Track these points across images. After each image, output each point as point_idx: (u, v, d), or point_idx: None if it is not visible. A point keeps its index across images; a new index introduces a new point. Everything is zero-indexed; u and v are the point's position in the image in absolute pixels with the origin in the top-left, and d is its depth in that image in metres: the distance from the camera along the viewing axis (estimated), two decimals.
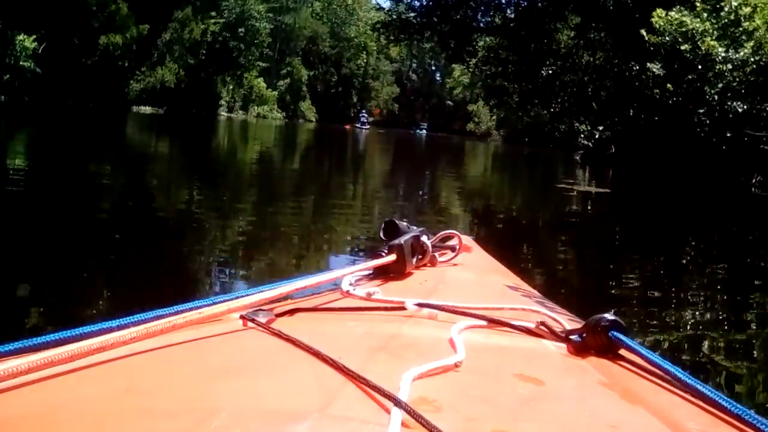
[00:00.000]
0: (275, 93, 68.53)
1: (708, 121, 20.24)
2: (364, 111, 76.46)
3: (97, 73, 41.89)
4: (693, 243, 9.57)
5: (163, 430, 0.78)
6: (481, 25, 31.08)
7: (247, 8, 56.67)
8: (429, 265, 1.80)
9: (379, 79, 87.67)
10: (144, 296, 4.15)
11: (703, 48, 19.42)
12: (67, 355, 0.88)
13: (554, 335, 1.19)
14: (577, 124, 32.41)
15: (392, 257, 1.60)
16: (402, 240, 1.65)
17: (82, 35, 42.11)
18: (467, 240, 2.07)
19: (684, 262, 8.07)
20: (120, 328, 0.99)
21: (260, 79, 64.98)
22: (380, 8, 43.02)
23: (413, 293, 1.38)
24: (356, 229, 8.56)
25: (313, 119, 75.39)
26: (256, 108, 64.42)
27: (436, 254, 1.84)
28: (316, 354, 0.97)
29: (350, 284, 1.43)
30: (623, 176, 23.21)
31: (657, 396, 1.01)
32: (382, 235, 1.76)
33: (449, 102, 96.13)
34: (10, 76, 33.08)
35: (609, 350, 1.13)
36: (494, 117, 75.35)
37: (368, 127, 68.77)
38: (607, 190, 15.93)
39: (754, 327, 5.26)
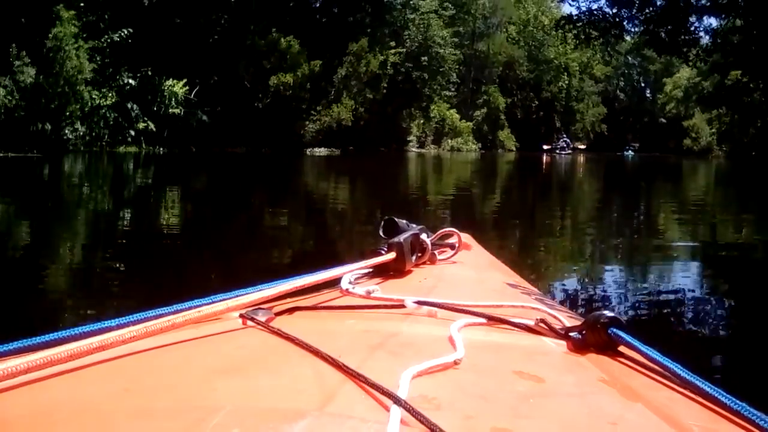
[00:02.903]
0: (470, 124, 64.36)
1: None
2: (565, 136, 69.02)
3: (269, 116, 37.10)
4: None
5: (162, 429, 0.79)
6: (702, 2, 22.34)
7: (430, 35, 50.32)
8: (428, 263, 1.77)
9: (583, 101, 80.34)
10: None
11: None
12: (67, 354, 0.88)
13: (554, 332, 1.18)
14: None
15: (391, 255, 1.59)
16: (401, 238, 1.63)
17: (253, 78, 37.45)
18: (466, 238, 2.05)
19: None
20: (119, 327, 0.99)
21: (453, 111, 58.86)
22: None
23: (412, 291, 1.37)
24: (565, 270, 7.70)
25: (513, 148, 71.49)
26: (449, 141, 59.63)
27: (436, 252, 1.81)
28: (316, 352, 0.97)
29: (349, 282, 1.43)
30: None
31: (657, 392, 1.01)
32: (381, 233, 1.74)
33: (662, 119, 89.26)
34: (157, 126, 28.57)
35: (608, 347, 1.13)
36: (714, 131, 65.22)
37: (570, 151, 61.83)
38: None
39: None
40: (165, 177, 21.46)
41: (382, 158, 39.72)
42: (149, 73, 31.01)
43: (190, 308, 1.08)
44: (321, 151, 41.56)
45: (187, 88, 31.90)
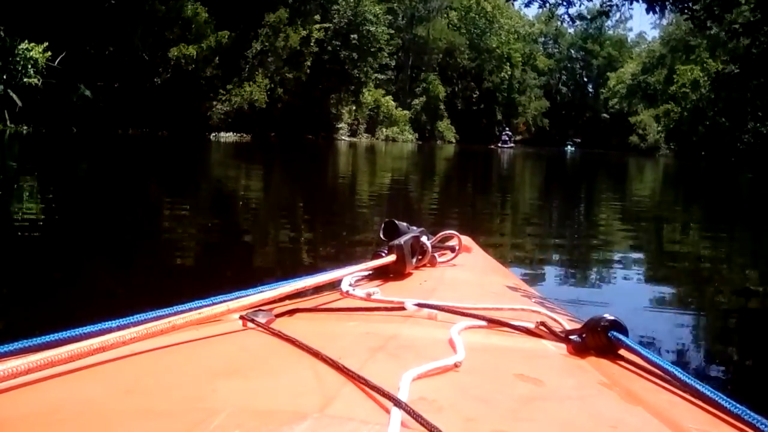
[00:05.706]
0: (407, 113, 60.56)
1: None
2: (507, 129, 64.50)
3: (169, 95, 30.73)
4: None
5: (163, 430, 0.80)
6: None
7: (360, 11, 44.40)
8: (429, 265, 1.76)
9: (525, 94, 75.77)
10: None
11: None
12: (67, 355, 0.89)
13: (554, 335, 1.18)
14: None
15: (392, 258, 1.59)
16: (402, 240, 1.62)
17: (151, 49, 30.85)
18: (467, 240, 2.02)
19: None
20: (120, 328, 1.00)
21: (389, 98, 53.68)
22: None
23: (413, 293, 1.38)
24: None
25: (453, 140, 68.62)
26: (384, 130, 56.10)
27: (436, 255, 1.80)
28: (316, 354, 0.98)
29: (350, 284, 1.43)
30: None
31: (657, 396, 1.02)
32: (381, 235, 1.72)
33: (605, 115, 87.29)
34: (22, 100, 22.00)
35: (609, 350, 1.14)
36: (662, 128, 61.63)
37: (512, 145, 57.20)
38: None
39: None
40: (25, 161, 18.30)
41: (306, 147, 36.55)
42: (1, 33, 24.47)
43: (190, 310, 1.09)
44: (228, 137, 38.30)
45: (50, 53, 25.42)
